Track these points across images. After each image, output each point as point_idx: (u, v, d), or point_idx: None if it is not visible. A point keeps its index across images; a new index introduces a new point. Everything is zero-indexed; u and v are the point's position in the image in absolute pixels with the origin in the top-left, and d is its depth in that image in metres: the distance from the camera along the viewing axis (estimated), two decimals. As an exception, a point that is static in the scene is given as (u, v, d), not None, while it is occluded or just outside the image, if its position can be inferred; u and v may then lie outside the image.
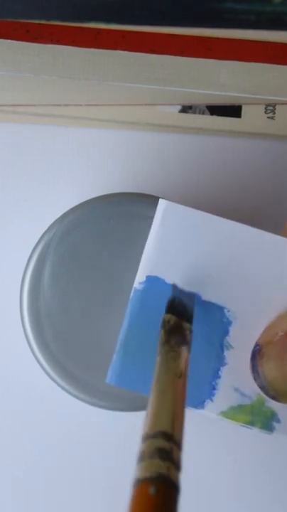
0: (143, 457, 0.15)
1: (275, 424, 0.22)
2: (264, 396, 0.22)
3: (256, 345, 0.22)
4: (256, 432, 0.31)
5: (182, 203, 0.23)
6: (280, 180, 0.31)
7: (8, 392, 0.31)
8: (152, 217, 0.24)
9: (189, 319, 0.22)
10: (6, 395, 0.31)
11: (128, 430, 0.31)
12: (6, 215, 0.31)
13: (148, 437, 0.16)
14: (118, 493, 0.30)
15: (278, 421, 0.22)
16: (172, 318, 0.21)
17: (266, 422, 0.22)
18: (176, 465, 0.15)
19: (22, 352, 0.26)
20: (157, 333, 0.22)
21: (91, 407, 0.25)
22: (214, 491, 0.31)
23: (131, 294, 0.23)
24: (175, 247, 0.23)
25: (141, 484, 0.14)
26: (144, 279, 0.23)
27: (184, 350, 0.20)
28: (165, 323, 0.21)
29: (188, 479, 0.31)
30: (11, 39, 0.27)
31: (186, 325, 0.21)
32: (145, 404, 0.25)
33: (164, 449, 0.15)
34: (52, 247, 0.25)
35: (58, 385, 0.25)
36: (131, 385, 0.23)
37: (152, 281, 0.23)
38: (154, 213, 0.25)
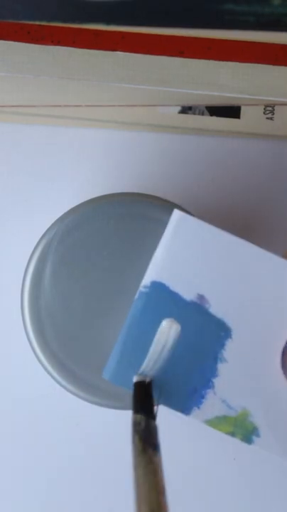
0: None
1: (254, 437, 0.24)
2: (249, 411, 0.23)
3: None
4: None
5: (194, 214, 0.24)
6: (279, 180, 0.31)
7: (9, 391, 0.31)
8: (152, 217, 0.25)
9: (154, 414, 0.22)
10: (8, 393, 0.31)
11: (128, 428, 0.31)
12: (6, 215, 0.31)
13: None
14: (119, 492, 0.31)
15: (258, 435, 0.24)
16: (142, 419, 0.21)
17: (247, 434, 0.24)
18: None
19: (23, 351, 0.26)
20: (153, 339, 0.23)
21: (93, 406, 0.25)
22: (215, 489, 0.31)
23: (136, 296, 0.24)
24: (184, 257, 0.23)
25: None
26: (149, 284, 0.23)
27: (160, 458, 0.20)
28: (136, 425, 0.21)
29: (189, 478, 0.31)
30: (12, 40, 0.27)
31: (154, 424, 0.21)
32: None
33: None
34: (53, 246, 0.25)
35: (59, 383, 0.25)
36: (124, 384, 0.23)
37: (156, 287, 0.23)
38: (154, 213, 0.25)
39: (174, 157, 0.31)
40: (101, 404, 0.25)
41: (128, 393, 0.25)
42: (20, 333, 0.25)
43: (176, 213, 0.23)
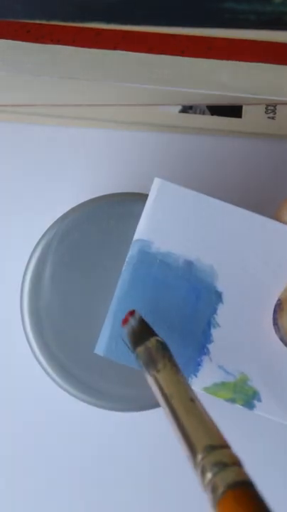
0: (219, 469, 0.18)
1: (256, 402, 0.23)
2: (247, 375, 0.23)
3: (278, 299, 0.23)
4: (257, 432, 0.31)
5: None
6: (280, 180, 0.31)
7: (8, 392, 0.31)
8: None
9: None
10: (6, 394, 0.31)
11: (129, 430, 0.31)
12: (6, 214, 0.31)
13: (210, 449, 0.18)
14: (119, 493, 0.30)
15: (259, 400, 0.23)
16: (159, 341, 0.22)
17: (247, 400, 0.23)
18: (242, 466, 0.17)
19: (22, 352, 0.26)
20: (144, 308, 0.23)
21: (91, 407, 0.25)
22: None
23: (123, 267, 0.23)
24: (168, 224, 0.23)
25: (238, 488, 0.17)
26: (135, 254, 0.23)
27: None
28: (160, 349, 0.22)
29: (188, 478, 0.31)
30: (12, 39, 0.27)
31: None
32: (146, 404, 0.25)
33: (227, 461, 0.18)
34: (53, 247, 0.25)
35: (58, 385, 0.25)
36: (118, 357, 0.23)
37: (142, 256, 0.23)
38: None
39: (174, 157, 0.31)
40: (100, 406, 0.25)
41: (128, 393, 0.25)
42: (20, 333, 0.25)
43: (157, 181, 0.23)
